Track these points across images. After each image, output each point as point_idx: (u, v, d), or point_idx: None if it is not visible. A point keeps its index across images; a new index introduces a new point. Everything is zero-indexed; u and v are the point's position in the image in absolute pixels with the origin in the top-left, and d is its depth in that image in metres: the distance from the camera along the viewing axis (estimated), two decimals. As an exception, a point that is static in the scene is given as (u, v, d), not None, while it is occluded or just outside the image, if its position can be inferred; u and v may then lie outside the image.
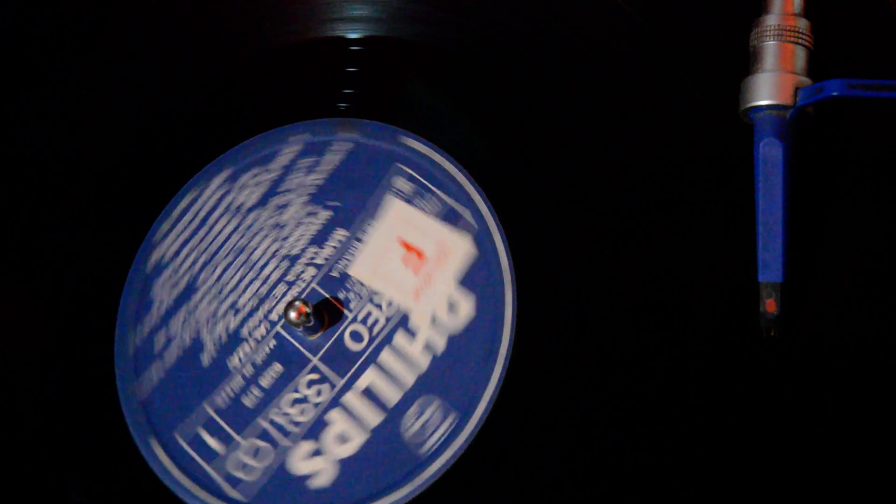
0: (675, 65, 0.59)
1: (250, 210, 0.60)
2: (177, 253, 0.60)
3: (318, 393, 0.56)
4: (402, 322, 0.56)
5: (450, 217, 0.58)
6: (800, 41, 0.55)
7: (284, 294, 0.58)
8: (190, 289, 0.59)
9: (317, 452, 0.55)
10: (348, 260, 0.58)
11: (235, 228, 0.60)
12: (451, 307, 0.56)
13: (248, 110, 0.62)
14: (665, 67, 0.59)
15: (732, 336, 0.54)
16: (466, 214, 0.57)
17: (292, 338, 0.57)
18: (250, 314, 0.58)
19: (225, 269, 0.59)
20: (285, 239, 0.59)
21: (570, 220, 0.56)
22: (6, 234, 0.60)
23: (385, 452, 0.54)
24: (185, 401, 0.57)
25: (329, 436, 0.55)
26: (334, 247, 0.59)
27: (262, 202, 0.60)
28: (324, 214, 0.59)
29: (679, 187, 0.56)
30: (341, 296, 0.58)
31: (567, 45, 0.60)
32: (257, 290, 0.59)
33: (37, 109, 0.63)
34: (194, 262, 0.60)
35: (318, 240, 0.59)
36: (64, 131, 0.62)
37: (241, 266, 0.59)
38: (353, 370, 0.56)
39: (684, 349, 0.53)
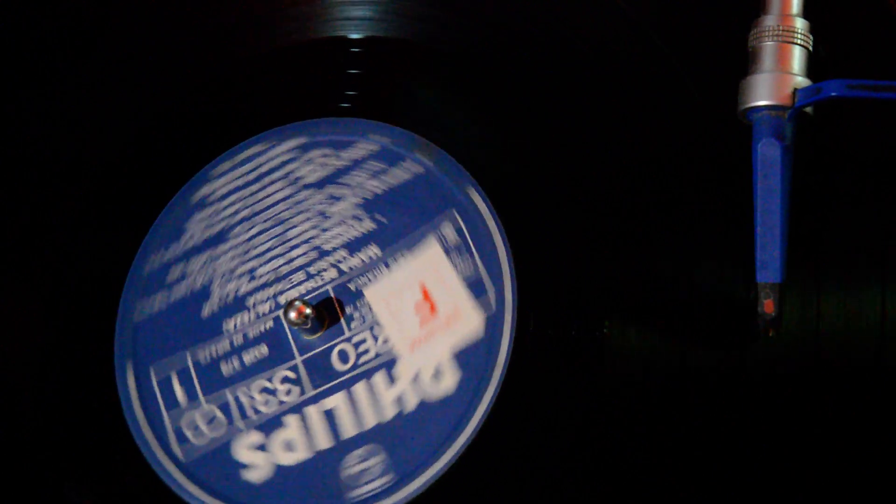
0: (675, 65, 0.58)
1: (306, 187, 0.61)
2: (224, 196, 0.61)
3: (288, 392, 0.58)
4: (388, 365, 0.57)
5: (475, 287, 0.57)
6: (798, 42, 0.54)
7: (301, 282, 0.59)
8: (221, 236, 0.61)
9: (262, 447, 0.57)
10: (370, 280, 0.59)
11: (285, 198, 0.61)
12: (437, 374, 0.56)
13: (247, 111, 0.62)
14: (665, 67, 0.58)
15: (731, 336, 0.54)
16: (491, 293, 0.57)
17: (288, 328, 0.59)
18: (262, 287, 0.60)
19: (259, 233, 0.60)
20: (325, 230, 0.60)
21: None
22: (7, 233, 0.62)
23: (317, 479, 0.56)
24: (172, 341, 0.59)
25: (279, 437, 0.57)
26: (363, 260, 0.59)
27: (320, 185, 0.61)
28: (367, 224, 0.59)
29: (678, 187, 0.56)
30: (349, 311, 0.58)
31: (567, 45, 0.60)
32: (278, 267, 0.60)
33: (37, 109, 0.63)
34: (236, 213, 0.61)
35: (353, 247, 0.59)
36: (64, 131, 0.63)
37: (275, 237, 0.60)
38: (326, 386, 0.57)
39: (683, 349, 0.54)
